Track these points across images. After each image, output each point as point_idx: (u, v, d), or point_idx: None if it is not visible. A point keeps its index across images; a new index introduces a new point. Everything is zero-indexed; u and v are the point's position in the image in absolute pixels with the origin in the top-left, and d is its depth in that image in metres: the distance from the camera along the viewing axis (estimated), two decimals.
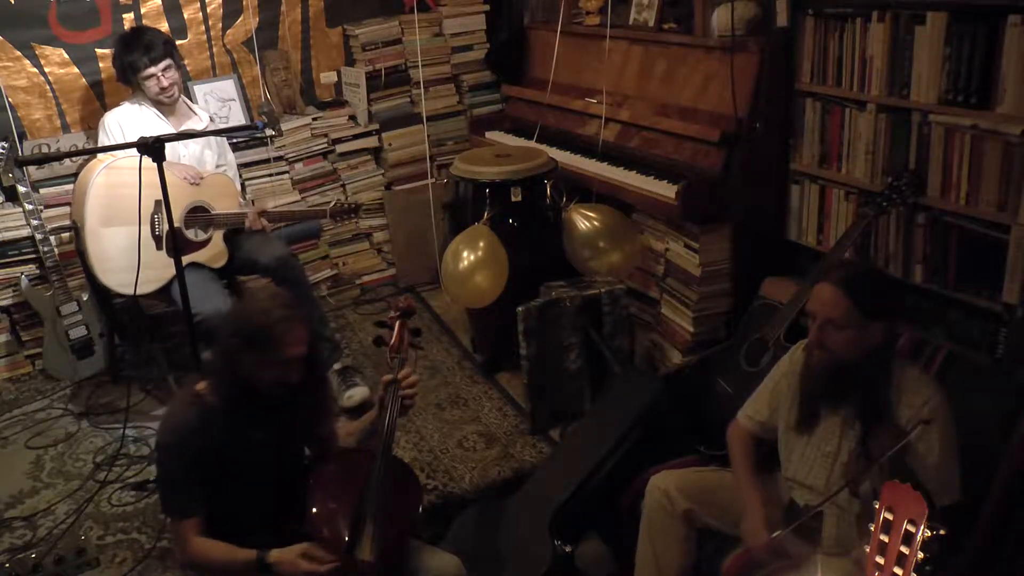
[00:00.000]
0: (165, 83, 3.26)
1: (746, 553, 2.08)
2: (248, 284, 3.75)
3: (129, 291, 3.09)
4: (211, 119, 3.60)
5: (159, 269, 3.16)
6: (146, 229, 3.13)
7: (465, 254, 2.95)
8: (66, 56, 3.66)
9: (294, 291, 3.28)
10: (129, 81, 3.31)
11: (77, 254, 3.41)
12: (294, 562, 1.87)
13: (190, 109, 3.49)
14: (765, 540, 1.96)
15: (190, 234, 3.25)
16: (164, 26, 3.75)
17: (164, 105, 3.33)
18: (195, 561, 2.00)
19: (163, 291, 3.21)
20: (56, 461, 3.15)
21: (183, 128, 3.38)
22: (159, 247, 3.19)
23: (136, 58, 3.20)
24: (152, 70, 3.22)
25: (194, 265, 3.20)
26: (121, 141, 3.23)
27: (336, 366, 3.40)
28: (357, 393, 3.32)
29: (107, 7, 3.67)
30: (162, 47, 3.23)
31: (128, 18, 3.72)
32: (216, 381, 1.98)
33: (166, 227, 3.14)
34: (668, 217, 3.14)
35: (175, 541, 2.27)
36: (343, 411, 3.25)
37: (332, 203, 3.40)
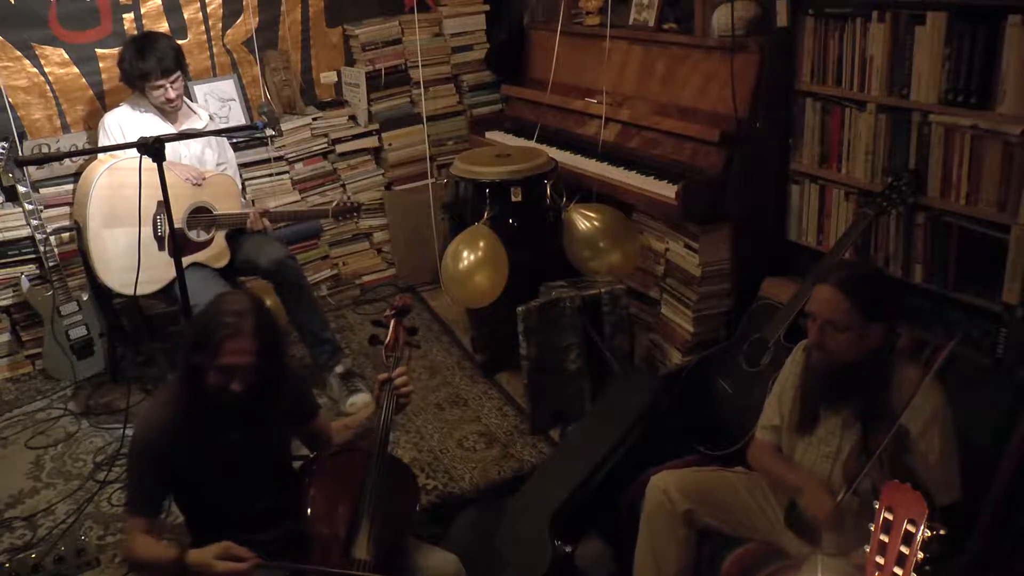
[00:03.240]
0: (172, 95, 3.27)
1: (747, 553, 2.09)
2: (249, 284, 3.75)
3: (130, 291, 3.09)
4: (211, 118, 3.60)
5: (161, 270, 3.16)
6: (148, 230, 3.13)
7: (465, 254, 2.94)
8: (66, 56, 3.66)
9: (293, 293, 3.29)
10: (134, 86, 3.31)
11: (79, 254, 3.41)
12: (209, 563, 1.82)
13: (191, 109, 3.50)
14: (832, 505, 1.90)
15: (192, 235, 3.25)
16: (164, 26, 3.76)
17: (167, 112, 3.34)
18: (130, 558, 2.00)
19: (165, 291, 3.21)
20: (56, 461, 3.15)
21: (183, 128, 3.38)
22: (161, 248, 3.19)
23: (149, 68, 3.20)
24: (162, 81, 3.23)
25: (196, 265, 3.20)
26: (121, 142, 3.23)
27: (338, 369, 3.38)
28: (360, 400, 3.27)
29: (107, 7, 3.67)
30: (174, 59, 3.25)
31: (128, 18, 3.72)
32: (176, 379, 2.00)
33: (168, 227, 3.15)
34: (668, 217, 3.14)
35: (124, 534, 2.27)
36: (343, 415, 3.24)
37: (334, 202, 3.40)
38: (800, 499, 2.00)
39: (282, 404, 2.05)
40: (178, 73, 3.28)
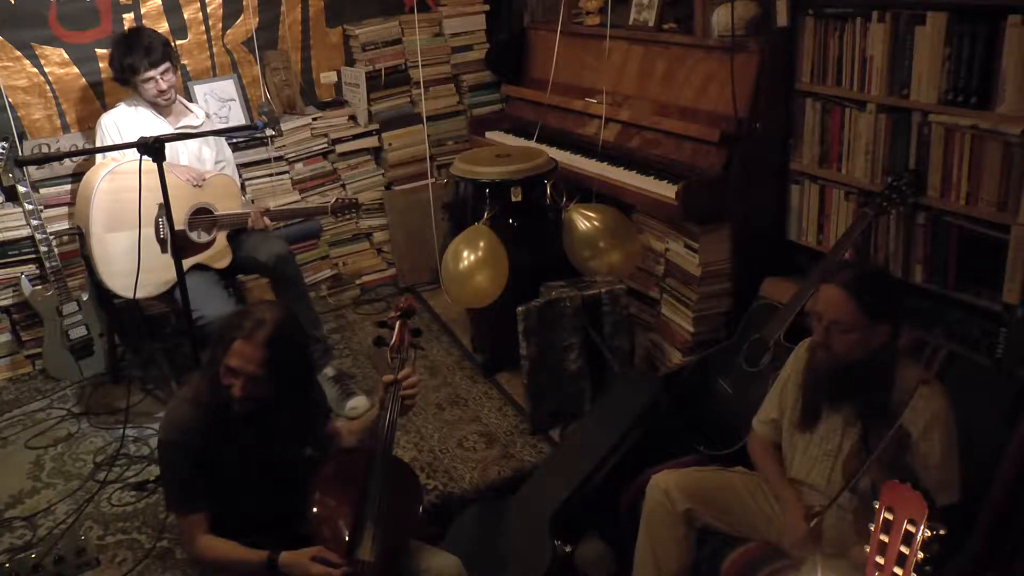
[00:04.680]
0: (164, 86, 3.26)
1: (747, 553, 2.09)
2: (248, 284, 3.75)
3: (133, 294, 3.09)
4: (207, 115, 3.59)
5: (164, 272, 3.14)
6: (151, 232, 3.13)
7: (465, 254, 2.94)
8: (66, 56, 3.65)
9: (290, 289, 3.30)
10: (126, 82, 3.30)
11: (82, 258, 3.40)
12: (305, 564, 1.88)
13: (186, 107, 3.49)
14: (805, 532, 1.96)
15: (194, 236, 3.24)
16: (164, 26, 3.75)
17: (161, 106, 3.34)
18: (203, 559, 2.01)
19: (167, 294, 3.19)
20: (56, 461, 3.15)
21: (180, 126, 3.38)
22: (164, 250, 3.17)
23: (136, 60, 3.19)
24: (151, 73, 3.21)
25: (198, 267, 3.20)
26: (119, 142, 3.23)
27: (328, 371, 3.38)
28: (359, 403, 3.26)
29: (107, 7, 3.67)
30: (161, 50, 3.23)
31: (128, 18, 3.72)
32: (199, 374, 2.04)
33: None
34: (668, 217, 3.14)
35: (181, 538, 2.28)
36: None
37: (333, 199, 3.41)
38: (784, 515, 2.06)
39: (294, 420, 2.05)
40: (167, 64, 3.26)
